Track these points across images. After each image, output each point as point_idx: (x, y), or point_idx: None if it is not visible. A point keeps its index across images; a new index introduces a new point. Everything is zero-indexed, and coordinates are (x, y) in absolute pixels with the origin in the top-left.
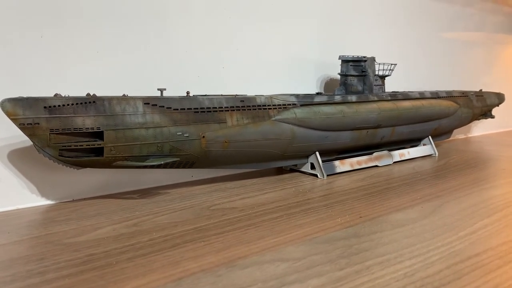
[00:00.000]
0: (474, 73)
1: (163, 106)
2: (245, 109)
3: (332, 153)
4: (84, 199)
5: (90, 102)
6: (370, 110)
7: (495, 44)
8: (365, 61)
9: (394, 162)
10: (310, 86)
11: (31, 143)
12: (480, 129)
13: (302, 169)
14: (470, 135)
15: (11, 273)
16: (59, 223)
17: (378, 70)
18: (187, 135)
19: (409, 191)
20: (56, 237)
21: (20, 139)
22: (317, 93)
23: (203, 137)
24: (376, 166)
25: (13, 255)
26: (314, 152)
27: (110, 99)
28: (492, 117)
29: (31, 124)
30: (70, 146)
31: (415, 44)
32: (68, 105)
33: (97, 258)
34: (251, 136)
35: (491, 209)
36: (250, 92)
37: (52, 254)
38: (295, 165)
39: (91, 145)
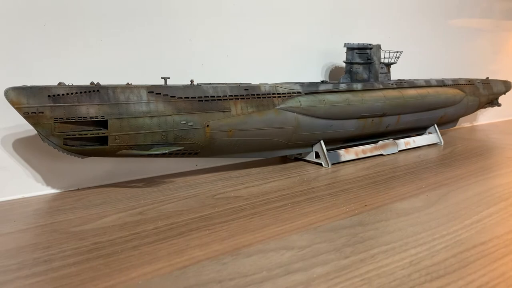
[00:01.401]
0: (481, 61)
1: (167, 95)
2: (249, 98)
3: (337, 142)
4: (89, 188)
5: (94, 91)
6: (375, 98)
7: (502, 31)
8: (371, 48)
9: (400, 151)
10: (315, 74)
11: (36, 132)
12: (486, 117)
13: (307, 158)
14: (476, 124)
15: (17, 261)
16: (65, 212)
17: (384, 58)
18: (191, 123)
19: (414, 180)
20: (62, 225)
21: (25, 128)
22: (322, 81)
23: (207, 126)
24: (381, 154)
25: (20, 243)
26: (319, 141)
27: (114, 87)
28: (499, 105)
29: (35, 113)
30: (75, 135)
31: (421, 31)
32: (72, 93)
33: (103, 247)
34: (256, 125)
35: (496, 198)
36: (254, 81)
37: (58, 243)
38: (300, 154)
39: (96, 134)
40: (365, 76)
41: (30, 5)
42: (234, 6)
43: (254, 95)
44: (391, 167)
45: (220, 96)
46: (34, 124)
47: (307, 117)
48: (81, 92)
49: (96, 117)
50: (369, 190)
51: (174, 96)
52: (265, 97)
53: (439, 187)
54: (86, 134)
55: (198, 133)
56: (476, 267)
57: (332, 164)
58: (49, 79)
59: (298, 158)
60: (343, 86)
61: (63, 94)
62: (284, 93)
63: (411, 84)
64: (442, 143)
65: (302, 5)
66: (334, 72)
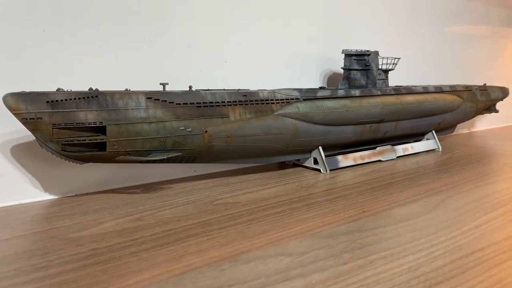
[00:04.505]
0: (479, 67)
1: (166, 101)
2: (248, 104)
3: (335, 148)
4: (87, 193)
5: (92, 97)
6: (373, 104)
7: (500, 37)
8: (369, 55)
9: (398, 157)
10: (313, 81)
11: (34, 138)
12: (484, 123)
13: (305, 164)
14: (473, 130)
15: (15, 267)
16: (62, 218)
17: (382, 64)
18: (189, 129)
19: (413, 186)
20: (60, 231)
21: (23, 133)
22: (320, 88)
23: (206, 131)
24: (380, 160)
25: (17, 249)
26: (317, 147)
27: (112, 93)
28: (496, 111)
29: (33, 118)
30: (73, 140)
31: (419, 38)
32: (70, 99)
33: (101, 253)
34: (254, 131)
35: (495, 204)
36: (253, 87)
37: (55, 249)
38: (298, 160)
39: (94, 139)
40: (363, 82)
41: (29, 11)
42: (232, 12)
43: (252, 101)
44: (389, 173)
45: (218, 102)
46: (32, 130)
47: (305, 123)
48: (79, 98)
49: (95, 123)
50: (367, 196)
51: (173, 102)
52: (263, 103)
53: (437, 193)
54: (85, 140)
55: (196, 139)
56: (475, 273)
57: (330, 170)
58: (47, 85)
59: (296, 164)
60: (341, 92)
61: (61, 100)
62: (283, 99)
63: (409, 91)
64: (440, 149)
65: (301, 12)
66: (332, 78)
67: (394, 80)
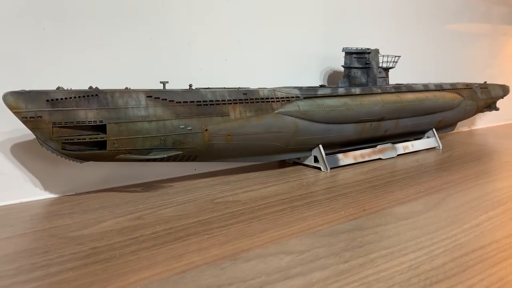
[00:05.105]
0: (479, 65)
1: (166, 99)
2: (248, 102)
3: (336, 146)
4: (88, 192)
5: (92, 95)
6: (373, 102)
7: (500, 35)
8: (369, 53)
9: (398, 155)
10: (314, 79)
11: (34, 136)
12: (484, 121)
13: (305, 162)
14: (474, 128)
15: (15, 266)
16: (63, 217)
17: (382, 62)
18: (190, 128)
19: (413, 184)
20: (60, 230)
21: (23, 132)
22: (321, 86)
23: (206, 130)
24: (380, 159)
25: (17, 248)
26: (318, 145)
27: (112, 92)
28: (497, 109)
29: (33, 117)
30: (73, 139)
31: (419, 36)
32: (70, 98)
33: (101, 251)
34: (254, 129)
35: (495, 202)
36: (253, 85)
37: (56, 248)
38: (298, 158)
39: (94, 138)
40: (364, 80)
41: (29, 10)
42: (232, 11)
43: (252, 99)
44: (389, 172)
45: (218, 101)
46: (32, 129)
47: (305, 121)
48: (79, 97)
49: (95, 121)
50: (368, 195)
51: (173, 101)
52: (263, 102)
53: (438, 191)
54: (85, 139)
55: (196, 138)
56: (475, 271)
57: (330, 168)
58: (47, 84)
59: (296, 163)
60: (341, 91)
61: (61, 99)
62: (283, 98)
63: (409, 89)
64: (441, 147)
65: (301, 10)
66: (332, 77)
67: (394, 78)
